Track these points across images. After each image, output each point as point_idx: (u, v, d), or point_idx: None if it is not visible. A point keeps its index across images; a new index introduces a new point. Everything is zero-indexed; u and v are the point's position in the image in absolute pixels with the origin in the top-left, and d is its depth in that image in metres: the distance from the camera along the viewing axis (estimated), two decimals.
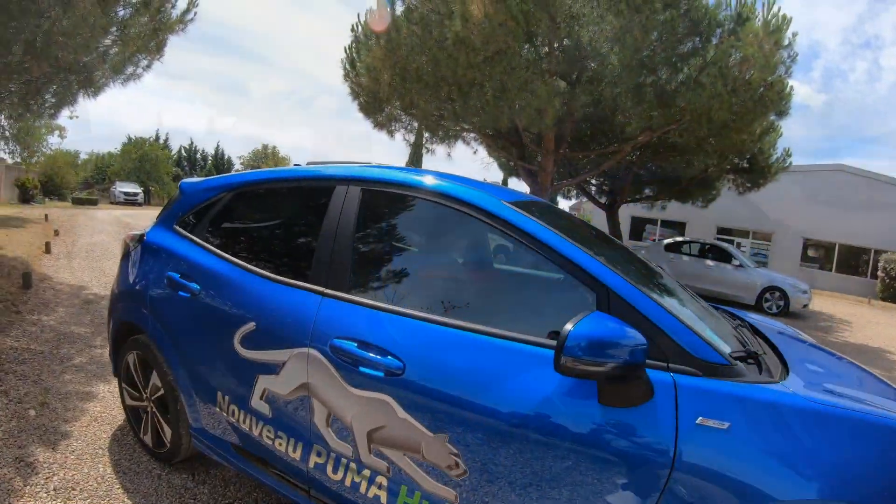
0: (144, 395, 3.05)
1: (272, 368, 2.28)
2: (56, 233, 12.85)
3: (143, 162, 43.26)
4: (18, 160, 21.36)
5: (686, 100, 9.42)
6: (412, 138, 13.90)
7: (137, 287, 2.96)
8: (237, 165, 60.41)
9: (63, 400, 3.81)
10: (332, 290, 2.23)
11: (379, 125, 12.94)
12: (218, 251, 2.69)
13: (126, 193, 35.00)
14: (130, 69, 8.35)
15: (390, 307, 2.09)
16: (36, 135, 19.13)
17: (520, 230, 2.00)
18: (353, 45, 11.70)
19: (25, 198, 23.36)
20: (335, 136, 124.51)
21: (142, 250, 3.06)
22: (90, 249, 11.05)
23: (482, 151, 15.84)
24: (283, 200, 2.81)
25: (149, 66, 8.70)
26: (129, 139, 46.68)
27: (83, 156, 49.43)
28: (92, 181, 44.72)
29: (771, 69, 9.47)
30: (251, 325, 2.35)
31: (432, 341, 1.96)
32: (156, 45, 8.27)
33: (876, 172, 22.96)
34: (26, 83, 7.51)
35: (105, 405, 3.81)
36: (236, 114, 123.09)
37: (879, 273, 20.91)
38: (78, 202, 28.51)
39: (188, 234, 2.89)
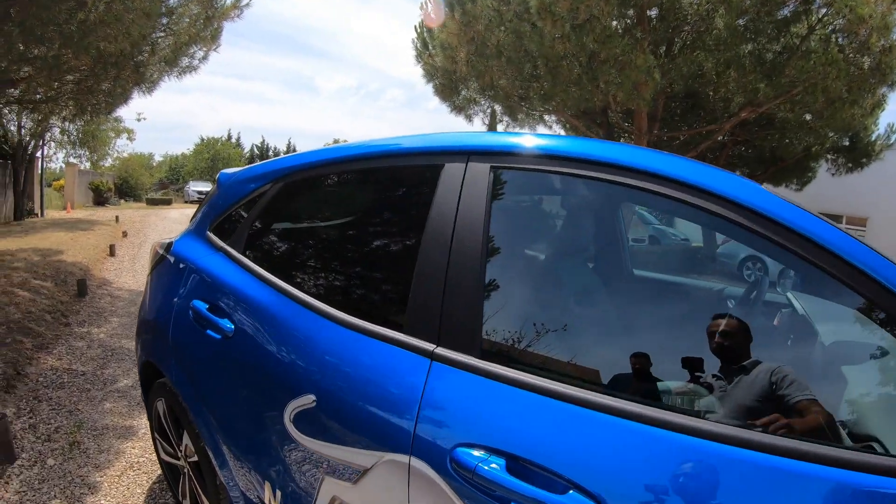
0: (179, 454, 2.32)
1: (346, 473, 1.41)
2: (124, 234, 12.79)
3: (216, 161, 44.25)
4: (88, 165, 21.86)
5: (797, 69, 8.21)
6: (505, 123, 13.06)
7: (158, 317, 2.21)
8: None
9: (97, 438, 3.20)
10: (450, 348, 1.32)
11: (457, 109, 12.17)
12: (259, 271, 1.85)
13: (199, 192, 35.78)
14: (185, 61, 7.87)
15: (569, 391, 1.16)
16: (102, 138, 19.39)
17: (802, 234, 1.13)
18: (424, 21, 10.95)
19: (100, 200, 24.01)
20: (405, 128, 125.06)
21: (166, 264, 2.31)
22: None
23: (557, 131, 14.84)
24: (354, 193, 1.90)
25: (205, 58, 8.24)
26: (202, 139, 48.08)
27: (157, 158, 51.36)
28: (166, 181, 46.17)
29: (889, 30, 8.20)
30: (308, 400, 1.49)
31: (678, 470, 1.04)
32: (211, 34, 7.75)
33: None
34: (77, 82, 7.12)
35: (144, 446, 3.16)
36: (306, 110, 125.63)
37: None
38: (152, 202, 29.24)
39: (223, 245, 2.07)
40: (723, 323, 1.31)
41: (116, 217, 16.92)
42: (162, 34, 7.03)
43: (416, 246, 1.48)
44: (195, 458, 2.15)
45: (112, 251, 9.81)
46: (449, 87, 11.56)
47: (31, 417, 3.36)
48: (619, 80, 8.31)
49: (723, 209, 1.20)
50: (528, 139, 1.49)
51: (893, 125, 14.46)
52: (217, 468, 1.93)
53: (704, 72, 9.07)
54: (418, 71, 11.73)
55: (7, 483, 2.67)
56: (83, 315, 5.79)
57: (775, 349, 1.59)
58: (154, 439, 2.57)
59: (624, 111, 10.68)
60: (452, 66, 10.22)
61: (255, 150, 60.09)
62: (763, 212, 1.17)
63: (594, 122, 12.23)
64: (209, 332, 1.86)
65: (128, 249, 10.67)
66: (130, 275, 8.23)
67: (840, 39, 8.37)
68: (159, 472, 2.90)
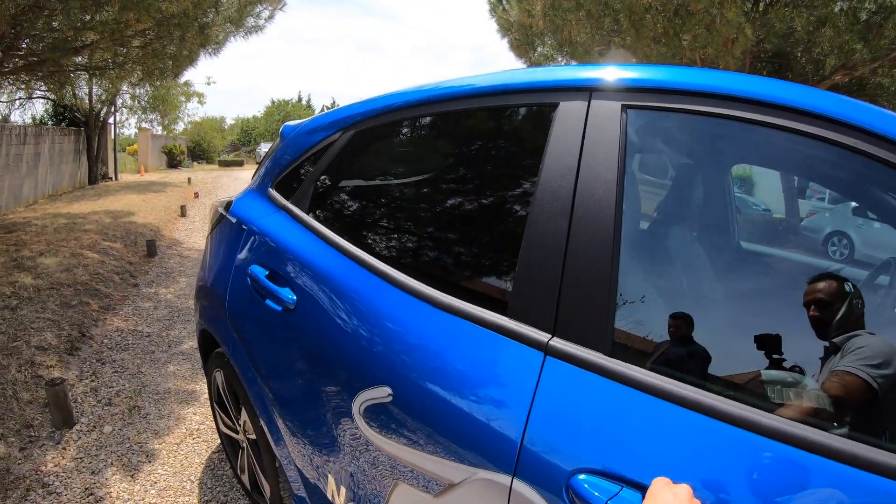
0: (238, 427, 2.14)
1: (425, 483, 1.14)
2: (196, 195, 13.06)
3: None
4: (160, 129, 22.49)
5: None
6: None
7: (216, 283, 1.99)
8: None
9: (158, 403, 3.11)
10: (569, 339, 1.00)
11: (533, 66, 11.63)
12: (328, 234, 1.55)
13: None
14: (251, 21, 7.71)
15: (733, 409, 0.84)
16: (173, 102, 19.78)
17: None
18: None
19: (173, 163, 24.75)
20: None
21: (226, 226, 2.09)
22: None
23: None
24: (443, 142, 1.56)
25: (271, 17, 8.08)
26: (272, 102, 48.80)
27: (229, 121, 52.59)
28: (238, 143, 47.33)
29: None
30: (384, 393, 1.20)
31: None
32: None
33: None
34: (143, 46, 7.07)
35: (206, 412, 3.05)
36: (375, 72, 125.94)
37: None
38: (224, 164, 29.98)
39: (285, 203, 1.81)
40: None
41: (189, 178, 17.38)
42: None
43: (525, 208, 1.16)
44: (252, 436, 1.98)
45: (183, 212, 9.97)
46: (525, 42, 11.03)
47: (92, 381, 3.31)
48: (708, 36, 7.58)
49: None
50: (647, 70, 1.12)
51: None
52: (274, 448, 1.73)
53: (796, 30, 8.20)
54: (485, 31, 11.31)
55: (65, 449, 2.60)
56: (151, 276, 5.82)
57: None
58: (213, 409, 2.42)
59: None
60: (528, 20, 9.67)
61: (325, 110, 61.19)
62: None
63: None
64: (268, 302, 1.61)
65: (199, 210, 10.84)
66: (200, 235, 8.31)
67: None
68: (219, 441, 2.78)
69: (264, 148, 37.34)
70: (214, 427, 2.89)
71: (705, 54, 8.18)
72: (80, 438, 2.69)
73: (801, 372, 0.98)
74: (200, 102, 25.69)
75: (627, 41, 8.39)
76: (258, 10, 7.43)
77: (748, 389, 0.94)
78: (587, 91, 1.15)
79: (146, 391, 3.22)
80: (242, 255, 1.83)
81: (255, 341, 1.70)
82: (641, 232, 1.23)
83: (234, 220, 2.00)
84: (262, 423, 1.78)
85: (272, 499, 1.96)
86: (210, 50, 7.43)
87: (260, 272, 1.68)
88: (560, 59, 11.45)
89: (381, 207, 1.66)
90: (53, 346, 3.57)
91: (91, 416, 2.89)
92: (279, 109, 47.07)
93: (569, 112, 1.15)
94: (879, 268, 2.39)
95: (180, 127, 23.44)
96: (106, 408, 3.00)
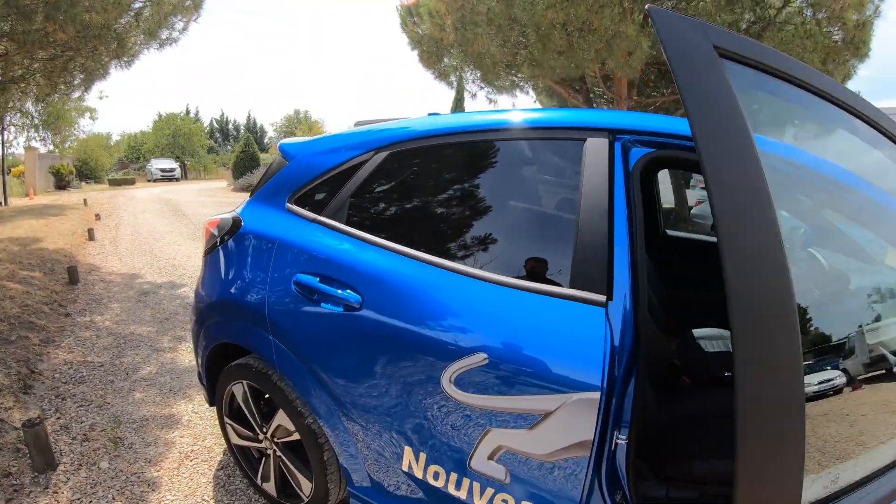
0: (262, 436, 2.21)
1: (520, 420, 1.47)
2: (97, 217, 12.26)
3: (177, 137, 42.71)
4: (51, 147, 20.74)
5: (776, 41, 8.49)
6: (475, 90, 12.99)
7: (244, 296, 2.07)
8: (270, 133, 59.98)
9: (140, 431, 3.03)
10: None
11: (441, 76, 12.00)
12: (387, 242, 1.78)
13: (163, 170, 34.64)
14: (166, 32, 7.43)
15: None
16: (67, 118, 18.27)
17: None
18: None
19: (61, 184, 22.88)
20: (366, 96, 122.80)
21: (241, 242, 2.16)
22: (135, 231, 10.39)
23: (525, 101, 15.13)
24: (478, 163, 1.89)
25: (185, 29, 7.80)
26: (160, 115, 46.27)
27: (115, 137, 49.23)
28: (126, 161, 44.39)
29: (863, 7, 8.64)
30: (479, 359, 1.50)
31: None
32: (193, 3, 7.31)
33: None
34: (52, 59, 6.63)
35: (194, 433, 3.02)
36: (262, 80, 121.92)
37: None
38: (115, 183, 28.13)
39: (318, 217, 1.96)
40: None
41: (84, 200, 16.17)
42: (144, 2, 6.59)
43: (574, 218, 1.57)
44: (289, 438, 2.09)
45: (91, 235, 9.36)
46: (434, 54, 11.44)
47: (59, 417, 3.15)
48: (609, 49, 8.36)
49: None
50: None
51: (859, 93, 14.85)
52: (332, 442, 1.89)
53: None
54: (380, 37, 11.68)
55: (56, 493, 2.46)
56: (81, 303, 5.50)
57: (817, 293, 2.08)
58: (224, 425, 2.45)
59: (602, 77, 10.75)
60: (439, 34, 10.05)
61: (215, 123, 58.94)
62: None
63: (574, 88, 12.27)
64: (325, 305, 1.77)
65: (105, 232, 10.21)
66: (116, 258, 7.89)
67: (812, 13, 8.68)
68: (220, 458, 2.78)
69: (156, 164, 35.36)
70: (210, 446, 2.90)
71: (605, 66, 8.93)
72: (68, 479, 2.57)
73: None
74: (93, 118, 23.89)
75: (534, 54, 8.95)
76: (173, 21, 7.17)
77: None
78: (608, 131, 1.59)
79: (122, 422, 3.12)
80: (280, 266, 1.94)
81: (310, 342, 1.84)
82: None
83: (254, 237, 2.09)
84: (309, 420, 1.92)
85: (315, 495, 2.06)
86: (124, 62, 7.08)
87: (310, 279, 1.82)
88: (467, 70, 11.97)
89: (435, 216, 1.90)
90: (7, 386, 3.35)
91: (72, 455, 2.76)
92: (168, 123, 44.67)
93: (594, 146, 1.57)
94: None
95: (68, 145, 21.72)
96: (84, 444, 2.88)
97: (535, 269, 1.60)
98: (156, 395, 3.50)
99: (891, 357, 1.93)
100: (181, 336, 4.62)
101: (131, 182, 29.08)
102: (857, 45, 8.91)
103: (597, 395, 1.36)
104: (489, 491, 1.58)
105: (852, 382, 2.31)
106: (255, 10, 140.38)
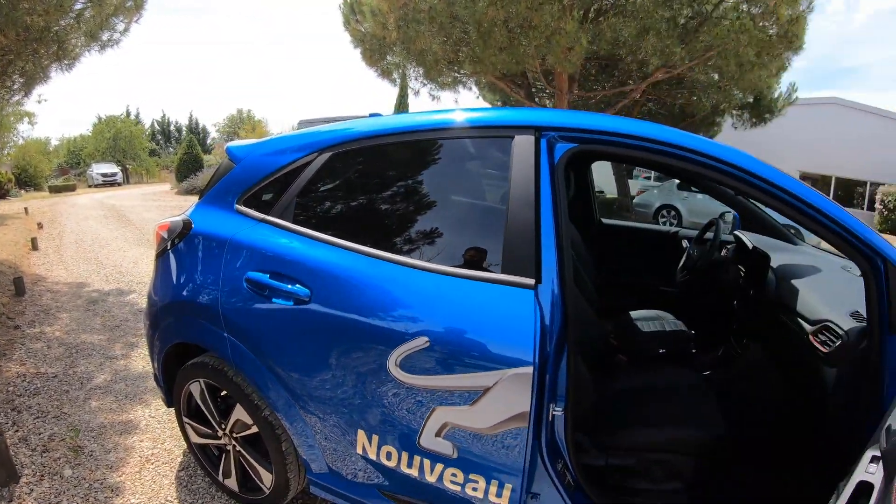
0: (221, 432, 2.28)
1: (461, 397, 1.61)
2: (40, 226, 11.80)
3: (118, 140, 41.27)
4: None
5: (711, 35, 8.91)
6: (418, 86, 13.05)
7: (197, 296, 2.13)
8: (213, 133, 59.17)
9: (99, 438, 3.03)
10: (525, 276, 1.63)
11: (384, 73, 12.01)
12: (333, 238, 1.89)
13: (104, 175, 33.37)
14: (107, 34, 7.22)
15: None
16: (5, 124, 17.42)
17: (780, 187, 1.65)
18: None
19: (0, 193, 21.94)
20: (310, 95, 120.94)
21: (191, 244, 2.22)
22: (80, 239, 10.08)
23: (468, 97, 15.33)
24: (419, 160, 2.01)
25: (126, 30, 7.58)
26: (100, 118, 44.64)
27: (54, 142, 47.36)
28: (66, 166, 42.77)
29: (796, 3, 9.04)
30: (421, 342, 1.63)
31: None
32: (134, 3, 7.13)
33: (869, 105, 22.98)
34: None
35: (153, 437, 3.04)
36: (206, 79, 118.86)
37: (877, 205, 20.79)
38: (55, 190, 26.98)
39: (266, 217, 2.05)
40: None
41: (25, 209, 15.49)
42: (85, 4, 6.40)
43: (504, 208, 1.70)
44: (248, 432, 2.16)
45: (34, 245, 9.03)
46: (377, 52, 11.47)
47: (17, 430, 3.11)
48: (549, 46, 8.57)
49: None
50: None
51: (794, 84, 15.58)
52: (289, 433, 1.98)
53: (623, 37, 9.46)
54: (325, 33, 11.64)
55: None
56: (29, 315, 5.36)
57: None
58: (183, 425, 2.50)
59: (543, 72, 10.99)
60: (382, 32, 10.09)
61: (156, 125, 57.48)
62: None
63: (515, 83, 12.50)
64: (277, 300, 1.86)
65: (49, 241, 9.86)
66: (62, 267, 7.66)
67: (749, 8, 9.00)
68: (181, 459, 2.82)
69: (97, 169, 34.01)
70: (170, 448, 2.93)
71: (548, 61, 9.14)
72: (32, 490, 2.57)
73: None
74: (31, 123, 22.86)
75: (476, 51, 9.09)
76: (114, 22, 6.98)
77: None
78: (533, 129, 1.73)
79: (81, 431, 3.11)
80: (231, 265, 2.01)
81: (265, 336, 1.92)
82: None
83: (204, 238, 2.15)
84: (266, 413, 2.01)
85: (276, 486, 2.15)
86: (65, 65, 6.86)
87: (261, 276, 1.90)
88: (410, 67, 12.04)
89: (378, 212, 2.01)
90: None
91: (34, 467, 2.75)
92: (108, 126, 43.15)
93: (522, 143, 1.71)
94: (705, 227, 3.37)
95: (6, 151, 20.74)
96: (45, 454, 2.86)
97: (472, 258, 1.73)
98: (112, 402, 3.49)
99: (806, 326, 2.14)
100: (133, 342, 4.59)
101: (72, 188, 27.97)
102: (790, 38, 9.32)
103: (530, 370, 1.51)
104: (439, 466, 1.70)
105: (773, 351, 2.54)
106: (198, 8, 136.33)
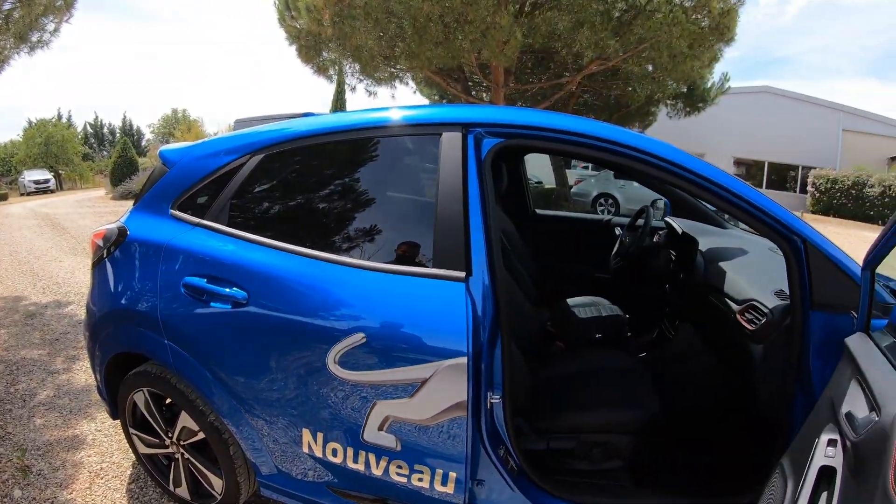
0: (168, 441, 2.26)
1: (400, 391, 1.65)
2: None
3: (49, 145, 39.36)
4: None
5: (644, 28, 9.22)
6: (355, 82, 12.99)
7: (135, 304, 2.10)
8: (147, 135, 57.46)
9: (46, 457, 2.95)
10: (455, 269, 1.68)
11: (320, 70, 11.90)
12: (267, 240, 1.89)
13: (36, 182, 31.85)
14: (37, 35, 6.89)
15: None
16: None
17: (702, 176, 1.71)
18: None
19: None
20: (245, 93, 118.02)
21: (127, 251, 2.18)
22: (13, 251, 9.61)
23: (405, 92, 15.41)
24: (350, 160, 2.04)
25: (57, 31, 7.25)
26: (30, 123, 42.45)
27: None
28: None
29: None
30: (358, 339, 1.66)
31: None
32: (65, 3, 6.82)
33: (800, 93, 24.39)
34: None
35: (100, 451, 2.98)
36: (139, 79, 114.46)
37: (809, 188, 22.07)
38: None
39: (201, 221, 2.03)
40: None
41: None
42: (13, 4, 6.07)
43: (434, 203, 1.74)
44: (195, 439, 2.15)
45: None
46: (313, 49, 11.41)
47: None
48: (485, 40, 8.69)
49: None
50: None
51: (727, 74, 16.37)
52: (236, 437, 1.98)
53: (559, 30, 9.65)
54: (256, 31, 11.51)
55: None
56: None
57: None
58: (129, 436, 2.46)
59: (479, 66, 11.11)
60: (317, 29, 9.99)
61: (89, 128, 55.51)
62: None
63: (452, 77, 12.58)
64: (214, 304, 1.86)
65: None
66: None
67: (682, 1, 9.33)
68: (130, 471, 2.77)
69: (28, 176, 32.41)
70: (118, 461, 2.88)
71: (481, 56, 9.25)
72: None
73: None
74: None
75: (412, 46, 9.13)
76: (44, 22, 6.65)
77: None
78: (460, 125, 1.78)
79: (27, 450, 3.02)
80: (167, 271, 2.00)
81: (204, 341, 1.92)
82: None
83: (140, 245, 2.12)
84: (211, 418, 2.00)
85: (227, 491, 2.15)
86: None
87: (198, 281, 1.90)
88: (346, 63, 11.97)
89: (311, 212, 2.02)
90: None
91: None
92: (39, 131, 41.09)
93: (449, 140, 1.76)
94: (636, 214, 3.53)
95: None
96: None
97: (405, 253, 1.78)
98: (57, 418, 3.39)
99: (734, 305, 2.26)
100: (74, 355, 4.44)
101: (4, 197, 26.53)
102: (722, 30, 9.74)
103: (464, 360, 1.56)
104: (384, 460, 1.75)
105: (704, 331, 2.68)
106: (129, 7, 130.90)
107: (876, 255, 1.40)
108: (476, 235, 1.66)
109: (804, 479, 1.23)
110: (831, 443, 1.24)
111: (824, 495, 1.19)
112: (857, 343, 1.43)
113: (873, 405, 1.12)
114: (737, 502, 1.79)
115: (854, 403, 1.22)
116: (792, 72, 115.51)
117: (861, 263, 1.51)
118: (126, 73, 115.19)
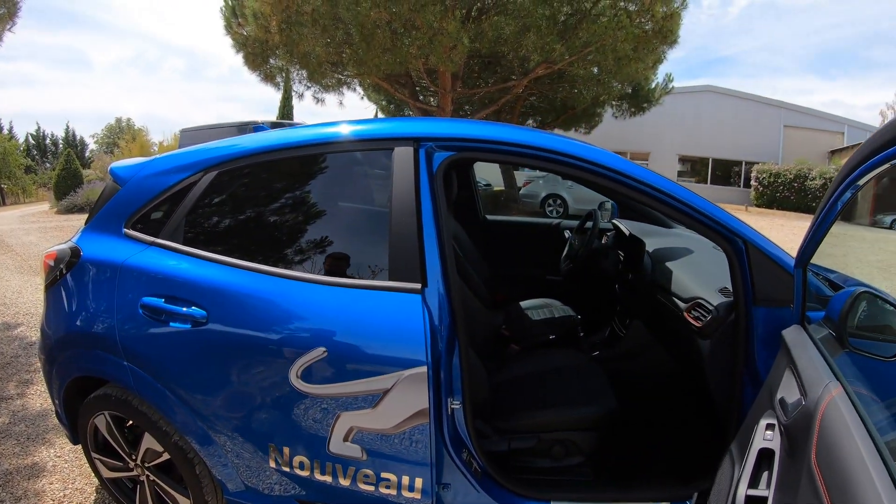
0: (133, 464, 2.23)
1: (363, 401, 1.70)
2: None
3: None
4: None
5: (589, 32, 9.44)
6: (302, 89, 12.92)
7: (92, 326, 2.07)
8: (91, 145, 56.20)
9: (6, 487, 2.86)
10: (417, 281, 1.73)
11: (267, 77, 11.82)
12: (225, 258, 1.90)
13: None
14: None
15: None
16: None
17: (645, 183, 1.80)
18: None
19: None
20: (190, 100, 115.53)
21: (82, 272, 2.14)
22: None
23: (352, 98, 15.50)
24: (304, 174, 2.06)
25: None
26: None
27: None
28: None
29: (671, 0, 9.78)
30: (319, 353, 1.69)
31: None
32: (7, 11, 6.59)
33: (741, 91, 25.51)
34: None
35: (63, 478, 2.91)
36: (80, 88, 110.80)
37: (753, 182, 23.12)
38: None
39: (156, 240, 2.02)
40: None
41: None
42: None
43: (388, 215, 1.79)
44: (160, 460, 2.13)
45: None
46: (260, 56, 11.35)
47: None
48: (432, 46, 8.79)
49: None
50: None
51: (670, 75, 16.94)
52: (201, 455, 1.97)
53: (505, 35, 9.82)
54: (200, 37, 11.39)
55: None
56: None
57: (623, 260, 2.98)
58: (91, 461, 2.41)
59: (427, 71, 11.20)
60: (265, 36, 9.95)
61: (31, 139, 53.63)
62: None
63: (399, 83, 12.66)
64: (173, 323, 1.85)
65: None
66: None
67: (626, 6, 9.63)
68: (94, 497, 2.72)
69: None
70: (81, 487, 2.82)
71: (429, 61, 9.34)
72: None
73: None
74: None
75: (359, 53, 9.15)
76: None
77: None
78: (412, 140, 1.83)
79: None
80: (124, 292, 1.97)
81: (165, 361, 1.91)
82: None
83: (95, 266, 2.09)
84: (175, 438, 1.99)
85: None
86: None
87: (155, 301, 1.89)
88: (293, 70, 11.92)
89: (265, 228, 2.04)
90: None
91: None
92: None
93: (401, 154, 1.81)
94: (584, 218, 3.65)
95: None
96: None
97: (361, 267, 1.83)
98: (14, 446, 3.29)
99: (680, 303, 2.35)
100: (27, 379, 4.30)
101: None
102: (665, 33, 10.09)
103: (424, 369, 1.62)
104: (351, 470, 1.79)
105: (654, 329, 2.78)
106: (69, 11, 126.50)
107: (804, 252, 1.49)
108: (430, 247, 1.71)
109: (745, 461, 1.32)
110: (769, 427, 1.33)
111: (765, 475, 1.28)
112: (792, 335, 1.53)
113: (802, 390, 1.21)
114: (695, 488, 1.87)
115: (787, 390, 1.32)
116: (735, 70, 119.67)
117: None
118: (65, 83, 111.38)
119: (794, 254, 1.64)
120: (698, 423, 2.34)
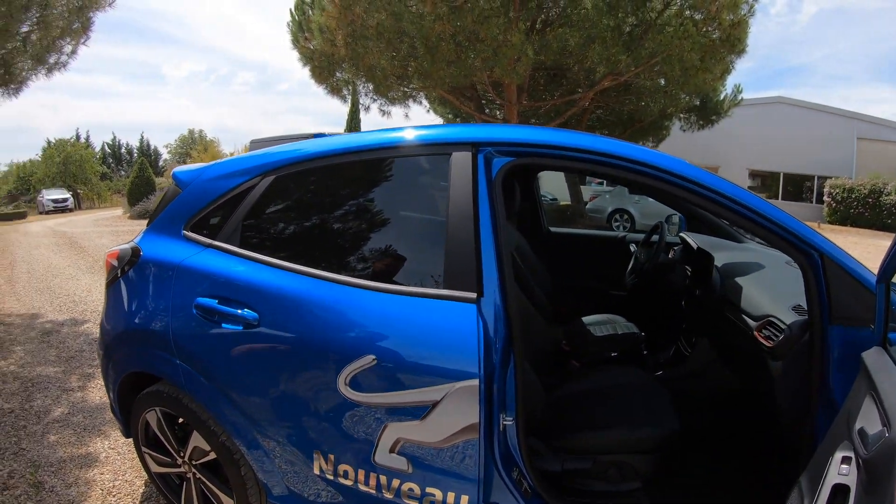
0: (180, 460, 2.26)
1: (411, 413, 1.64)
2: None
3: (68, 164, 40.30)
4: None
5: (655, 42, 9.26)
6: (368, 102, 13.15)
7: (148, 324, 2.12)
8: (165, 155, 59.06)
9: (59, 473, 2.97)
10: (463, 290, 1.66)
11: (333, 90, 12.07)
12: (278, 261, 1.90)
13: (55, 201, 32.50)
14: (54, 57, 7.06)
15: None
16: None
17: (717, 192, 1.69)
18: (301, 5, 10.65)
19: None
20: (261, 113, 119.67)
21: (141, 272, 2.20)
22: (31, 269, 9.76)
23: (418, 111, 15.67)
24: (362, 181, 2.04)
25: (74, 52, 7.43)
26: (49, 143, 43.41)
27: (2, 167, 45.82)
28: (16, 193, 41.41)
29: (737, 8, 9.45)
30: (368, 360, 1.65)
31: None
32: (81, 25, 6.99)
33: (813, 102, 24.20)
34: None
35: (114, 469, 2.99)
36: (155, 101, 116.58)
37: (826, 198, 21.80)
38: (5, 218, 26.02)
39: (213, 242, 2.05)
40: None
41: None
42: (31, 27, 6.24)
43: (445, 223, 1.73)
44: (206, 459, 2.15)
45: None
46: (326, 69, 11.57)
47: None
48: (496, 58, 8.76)
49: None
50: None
51: (739, 86, 16.35)
52: (247, 457, 1.97)
53: (570, 47, 9.70)
54: (270, 52, 11.76)
55: None
56: None
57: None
58: (142, 455, 2.47)
59: (492, 84, 11.17)
60: (331, 49, 10.17)
61: (107, 148, 56.70)
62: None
63: (465, 95, 12.67)
64: (226, 325, 1.87)
65: (0, 271, 9.57)
66: (13, 298, 7.42)
67: (692, 14, 9.37)
68: (142, 490, 2.78)
69: (47, 195, 33.10)
70: (131, 479, 2.89)
71: (493, 73, 9.32)
72: None
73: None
74: None
75: (424, 65, 9.21)
76: (61, 44, 6.82)
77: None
78: (470, 145, 1.78)
79: (41, 466, 3.04)
80: (180, 292, 2.01)
81: (215, 361, 1.92)
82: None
83: (154, 266, 2.14)
84: (223, 438, 2.00)
85: None
86: (11, 90, 6.66)
87: (209, 301, 1.91)
88: (360, 83, 12.12)
89: (323, 233, 2.03)
90: None
91: None
92: (59, 150, 42.02)
93: (459, 159, 1.75)
94: (651, 231, 3.51)
95: None
96: (5, 492, 2.78)
97: (416, 274, 1.80)
98: (70, 435, 3.41)
99: (751, 322, 2.22)
100: (89, 374, 4.48)
101: (23, 216, 27.09)
102: (733, 42, 9.74)
103: (476, 382, 1.55)
104: (395, 482, 1.73)
105: (721, 348, 2.64)
106: (144, 27, 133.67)
107: (888, 266, 1.37)
108: (487, 256, 1.65)
109: (817, 498, 1.20)
110: (845, 460, 1.20)
111: None
112: (873, 358, 1.39)
113: (885, 420, 1.10)
114: None
115: (867, 419, 1.19)
116: (805, 80, 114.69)
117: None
118: (140, 96, 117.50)
119: (874, 269, 1.51)
120: (765, 451, 2.18)
